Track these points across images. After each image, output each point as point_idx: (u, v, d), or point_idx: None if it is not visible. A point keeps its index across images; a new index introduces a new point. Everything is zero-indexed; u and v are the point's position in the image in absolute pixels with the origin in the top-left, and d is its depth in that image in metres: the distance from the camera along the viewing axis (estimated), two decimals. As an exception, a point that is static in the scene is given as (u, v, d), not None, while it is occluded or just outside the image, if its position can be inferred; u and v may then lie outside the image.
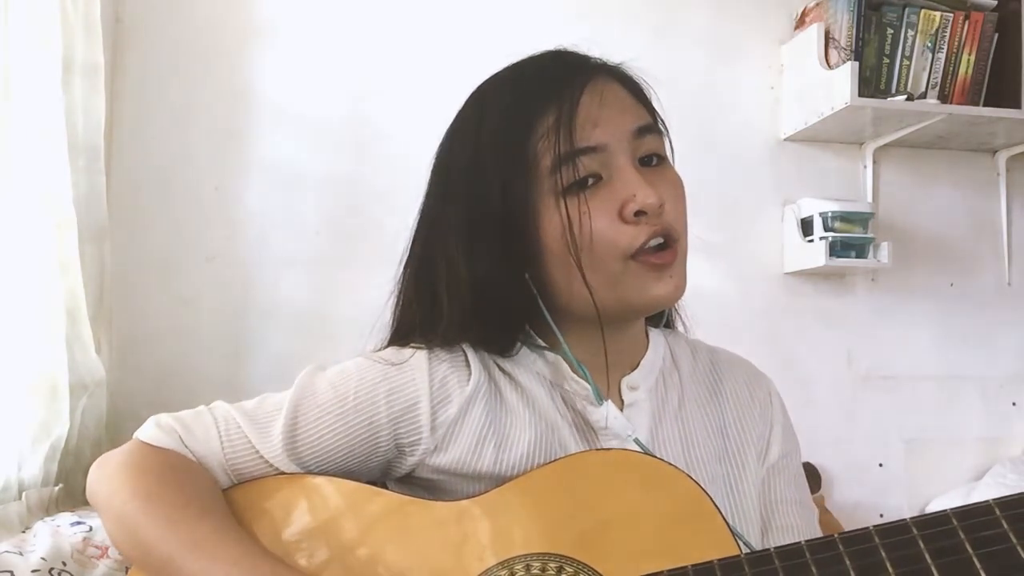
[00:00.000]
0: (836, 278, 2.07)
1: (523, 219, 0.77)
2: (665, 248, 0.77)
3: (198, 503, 0.74)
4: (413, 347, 0.82)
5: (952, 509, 0.56)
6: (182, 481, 0.75)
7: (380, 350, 0.86)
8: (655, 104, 0.85)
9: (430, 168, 0.86)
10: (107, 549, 1.15)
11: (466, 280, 0.80)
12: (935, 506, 2.00)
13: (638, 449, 0.78)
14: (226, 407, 0.81)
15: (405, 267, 0.87)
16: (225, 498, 0.77)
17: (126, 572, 1.13)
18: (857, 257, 1.94)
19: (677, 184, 0.81)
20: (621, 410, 0.82)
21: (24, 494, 1.27)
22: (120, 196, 1.72)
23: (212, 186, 1.81)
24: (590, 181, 0.76)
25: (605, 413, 0.81)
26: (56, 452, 1.37)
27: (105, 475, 0.77)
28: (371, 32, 1.89)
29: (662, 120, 0.84)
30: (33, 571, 1.04)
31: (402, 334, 0.87)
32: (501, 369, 0.83)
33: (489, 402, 0.80)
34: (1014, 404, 2.13)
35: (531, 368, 0.83)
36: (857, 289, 2.09)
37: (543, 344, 0.85)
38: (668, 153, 0.83)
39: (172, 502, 0.73)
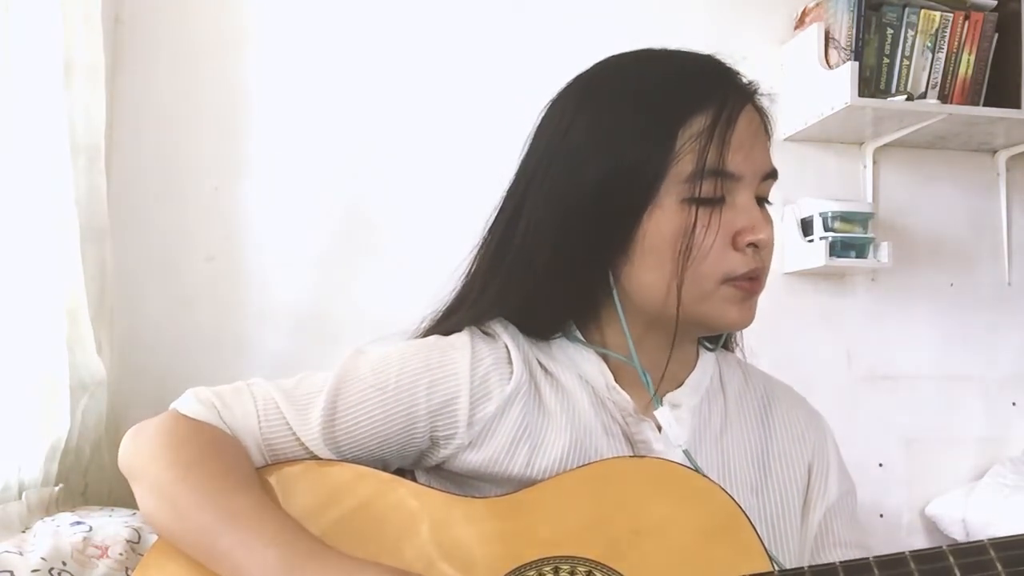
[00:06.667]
0: (836, 278, 2.07)
1: (637, 204, 0.76)
2: (754, 280, 0.79)
3: (236, 476, 0.73)
4: (456, 336, 0.81)
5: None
6: (220, 454, 0.74)
7: (423, 335, 0.84)
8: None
9: (535, 126, 0.83)
10: (107, 549, 1.15)
11: (546, 254, 0.78)
12: (935, 506, 2.00)
13: (683, 460, 0.77)
14: (265, 385, 0.80)
15: (484, 239, 0.85)
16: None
17: (126, 572, 1.13)
18: (857, 257, 1.94)
19: (772, 229, 0.82)
20: (660, 429, 0.81)
21: (24, 494, 1.27)
22: (120, 196, 1.71)
23: (211, 186, 1.81)
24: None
25: (655, 422, 0.80)
26: (56, 452, 1.37)
27: (142, 444, 0.76)
28: (371, 33, 1.89)
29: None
30: (33, 571, 1.04)
31: (449, 313, 0.85)
32: (544, 368, 0.82)
33: (528, 403, 0.79)
34: (1014, 404, 2.13)
35: (575, 370, 0.82)
36: (857, 289, 2.08)
37: (582, 339, 0.83)
38: None
39: (211, 473, 0.72)
